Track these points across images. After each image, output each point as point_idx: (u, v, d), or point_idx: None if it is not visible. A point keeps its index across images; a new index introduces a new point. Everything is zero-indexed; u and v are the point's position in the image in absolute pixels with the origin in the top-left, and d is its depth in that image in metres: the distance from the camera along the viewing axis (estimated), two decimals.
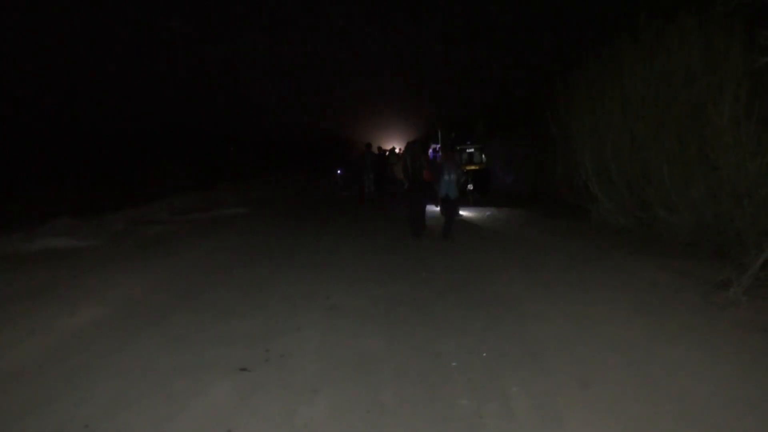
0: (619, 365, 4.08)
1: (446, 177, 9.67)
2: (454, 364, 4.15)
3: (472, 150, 16.35)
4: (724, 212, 6.90)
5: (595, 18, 12.01)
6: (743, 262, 5.66)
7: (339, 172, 22.16)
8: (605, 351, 4.35)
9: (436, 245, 9.02)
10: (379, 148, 20.69)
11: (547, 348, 4.45)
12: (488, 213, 12.07)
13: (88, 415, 3.42)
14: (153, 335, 4.80)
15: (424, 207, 10.01)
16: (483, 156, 16.07)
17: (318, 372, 4.00)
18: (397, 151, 21.43)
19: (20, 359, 4.38)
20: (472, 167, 15.77)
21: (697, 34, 7.86)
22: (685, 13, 8.01)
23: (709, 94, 7.33)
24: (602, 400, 3.52)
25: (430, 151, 17.96)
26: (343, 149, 25.46)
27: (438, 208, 11.66)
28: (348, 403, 3.50)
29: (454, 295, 6.01)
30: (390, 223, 11.57)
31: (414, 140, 11.27)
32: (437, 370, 4.03)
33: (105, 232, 10.67)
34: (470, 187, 14.40)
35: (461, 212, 12.39)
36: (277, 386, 3.77)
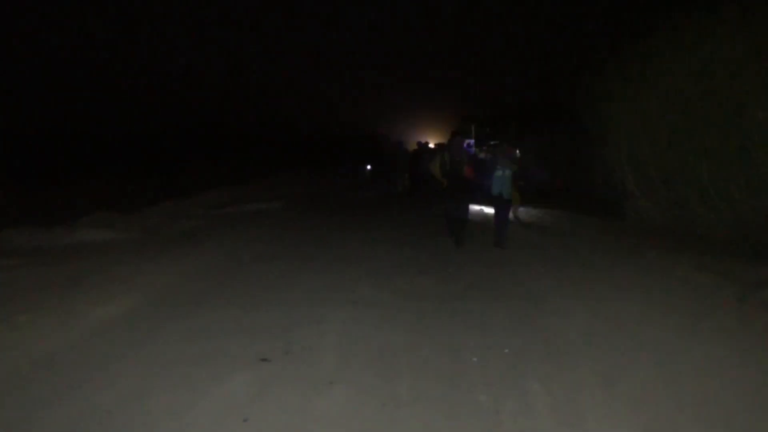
0: (646, 365, 3.96)
1: (500, 173, 8.31)
2: (474, 359, 4.09)
3: (496, 143, 16.39)
4: (765, 210, 6.65)
5: (633, 10, 11.66)
6: None
7: (369, 167, 21.88)
8: (633, 350, 4.23)
9: (480, 252, 8.21)
10: (419, 143, 19.55)
11: (572, 345, 4.36)
12: (521, 209, 11.89)
13: (111, 402, 3.49)
14: (179, 326, 4.87)
15: (466, 209, 8.63)
16: (517, 152, 15.91)
17: (336, 364, 4.00)
18: (431, 145, 20.46)
19: (51, 347, 4.49)
20: None
21: (740, 25, 7.57)
22: (727, 3, 7.73)
23: (751, 86, 7.07)
24: (625, 400, 3.42)
25: (464, 145, 17.50)
26: (372, 144, 24.89)
27: (485, 209, 11.31)
28: (364, 396, 3.49)
29: (478, 291, 5.94)
30: (422, 219, 11.49)
31: (456, 131, 10.64)
32: (457, 365, 3.98)
33: (141, 225, 10.88)
34: None
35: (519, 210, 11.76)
36: (296, 377, 3.77)
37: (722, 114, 7.48)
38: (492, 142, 16.68)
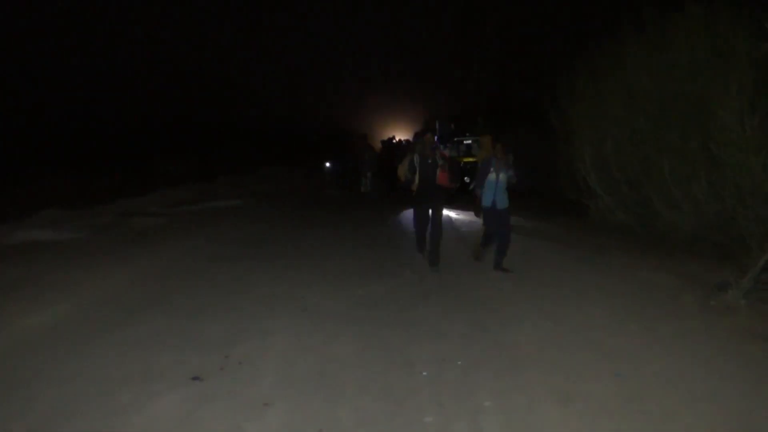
0: (605, 377, 3.76)
1: (492, 176, 6.63)
2: (424, 374, 3.84)
3: (469, 141, 16.19)
4: (727, 210, 6.56)
5: (600, 8, 11.58)
6: (744, 263, 5.32)
7: (327, 165, 20.78)
8: (592, 361, 4.03)
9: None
10: (386, 140, 18.95)
11: (529, 357, 4.14)
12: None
13: (25, 428, 3.14)
14: (111, 338, 4.50)
15: (438, 222, 6.96)
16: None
17: (275, 382, 3.69)
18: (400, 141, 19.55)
19: None
20: (470, 159, 15.60)
21: (703, 24, 7.47)
22: (691, 2, 7.62)
23: (713, 86, 6.97)
24: (581, 419, 3.21)
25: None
26: (338, 141, 23.98)
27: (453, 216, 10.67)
28: (300, 420, 3.20)
29: (436, 297, 5.69)
30: (381, 218, 11.23)
31: (424, 129, 9.02)
32: (406, 381, 3.72)
33: (91, 224, 10.39)
34: (467, 179, 14.10)
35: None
36: (228, 398, 3.46)
37: (685, 114, 7.38)
38: (457, 139, 16.50)
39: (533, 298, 5.62)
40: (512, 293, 5.81)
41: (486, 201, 6.71)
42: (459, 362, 4.03)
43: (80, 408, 3.37)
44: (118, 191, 15.57)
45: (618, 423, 3.17)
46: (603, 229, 9.06)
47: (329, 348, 4.31)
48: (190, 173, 20.68)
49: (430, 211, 6.90)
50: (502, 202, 6.68)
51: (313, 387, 3.62)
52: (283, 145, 29.38)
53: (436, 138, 15.93)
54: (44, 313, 5.18)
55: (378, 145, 21.18)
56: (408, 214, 10.43)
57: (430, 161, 6.73)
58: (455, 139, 16.15)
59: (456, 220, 10.99)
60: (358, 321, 4.95)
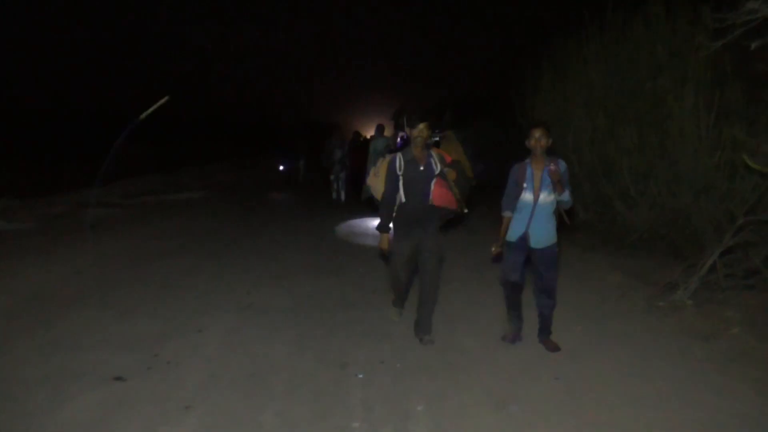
0: (543, 380, 3.67)
1: (528, 197, 4.00)
2: (360, 376, 3.70)
3: (437, 138, 15.88)
4: (682, 208, 6.54)
5: (566, 4, 11.55)
6: (694, 263, 5.29)
7: (281, 168, 17.57)
8: (531, 363, 3.94)
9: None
10: (356, 134, 16.02)
11: (468, 358, 4.04)
12: None
13: None
14: (35, 336, 4.27)
15: (434, 267, 4.36)
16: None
17: (201, 383, 3.52)
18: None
19: None
20: None
21: (664, 22, 7.45)
22: (653, 1, 7.59)
23: (672, 84, 6.95)
24: (514, 424, 3.10)
25: (398, 140, 16.03)
26: (303, 132, 20.14)
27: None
28: (220, 424, 3.04)
29: (382, 295, 5.53)
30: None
31: (405, 109, 5.92)
32: (339, 384, 3.58)
33: (42, 214, 10.04)
34: None
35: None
36: (149, 400, 3.28)
37: (643, 112, 7.35)
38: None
39: (479, 296, 5.52)
40: (458, 292, 5.69)
41: (512, 232, 4.12)
42: (398, 365, 3.91)
43: None
44: (78, 181, 15.11)
45: (553, 427, 3.07)
46: (563, 226, 9.02)
47: (265, 348, 4.15)
48: (155, 163, 20.22)
49: (421, 248, 4.31)
50: (543, 236, 4.07)
51: (241, 389, 3.46)
52: (254, 135, 28.90)
53: (401, 135, 15.23)
54: None
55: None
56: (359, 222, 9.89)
57: (422, 167, 4.21)
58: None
59: None
60: (300, 319, 4.80)
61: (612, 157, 7.72)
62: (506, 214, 4.15)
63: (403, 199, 4.25)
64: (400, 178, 4.23)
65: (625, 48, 7.92)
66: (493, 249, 4.22)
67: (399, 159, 4.26)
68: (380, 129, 11.74)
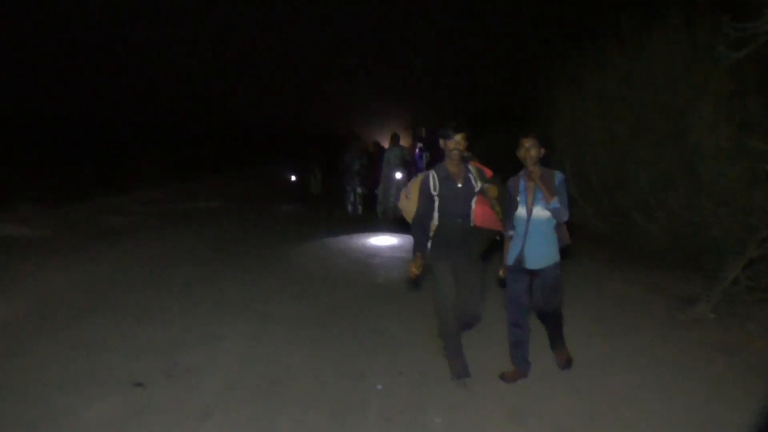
0: (563, 393, 3.63)
1: (521, 212, 3.70)
2: (378, 387, 3.69)
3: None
4: (702, 220, 6.47)
5: (582, 16, 11.54)
6: (715, 276, 5.22)
7: (292, 179, 17.02)
8: (550, 375, 3.90)
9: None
10: (376, 144, 15.42)
11: (486, 371, 3.99)
12: None
13: None
14: (57, 340, 4.33)
15: (475, 294, 3.96)
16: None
17: (220, 390, 3.54)
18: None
19: None
20: None
21: (683, 33, 7.39)
22: (672, 10, 7.54)
23: (691, 95, 6.90)
24: None
25: (416, 151, 15.63)
26: (318, 142, 17.61)
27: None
28: None
29: (401, 305, 5.52)
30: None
31: (447, 125, 3.78)
32: (357, 394, 3.58)
33: (64, 221, 10.19)
34: None
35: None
36: (168, 407, 3.31)
37: (663, 122, 7.29)
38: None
39: (497, 304, 5.48)
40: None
41: (509, 254, 3.80)
42: (416, 375, 3.89)
43: (9, 412, 3.21)
44: (97, 188, 15.32)
45: None
46: (581, 238, 8.96)
47: (283, 356, 4.16)
48: (172, 171, 20.41)
49: (461, 274, 3.85)
50: (541, 255, 3.72)
51: (259, 397, 3.48)
52: (271, 144, 28.98)
53: (419, 146, 14.97)
54: None
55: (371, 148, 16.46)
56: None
57: (459, 184, 3.72)
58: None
59: None
60: (318, 327, 4.81)
61: (630, 169, 7.67)
62: (509, 233, 3.79)
63: (437, 222, 3.75)
64: (436, 198, 3.71)
65: (643, 59, 7.88)
66: (500, 273, 3.87)
67: (432, 177, 3.71)
68: (395, 138, 11.47)
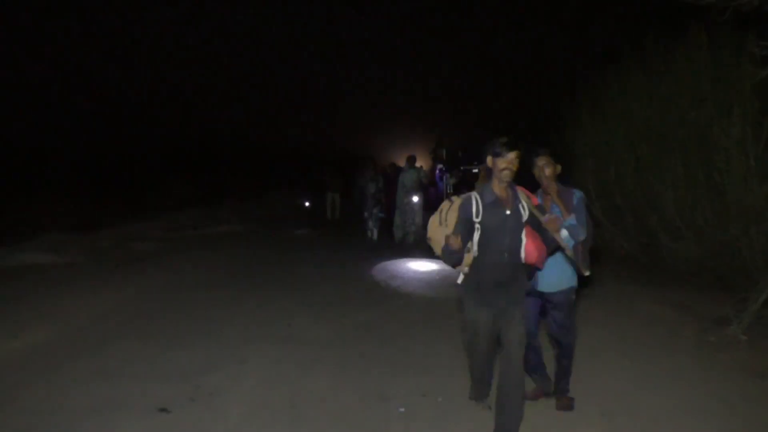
0: (590, 417, 3.56)
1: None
2: (401, 410, 3.65)
3: (477, 170, 15.62)
4: (731, 240, 6.34)
5: (605, 36, 11.54)
6: (746, 296, 5.09)
7: (306, 204, 16.74)
8: (577, 399, 3.81)
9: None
10: (392, 165, 14.28)
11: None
12: None
13: None
14: (82, 366, 4.36)
15: (519, 350, 3.20)
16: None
17: (243, 414, 3.53)
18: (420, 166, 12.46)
19: None
20: None
21: (706, 52, 7.33)
22: (695, 30, 7.50)
23: (716, 113, 6.81)
24: None
25: (437, 172, 15.53)
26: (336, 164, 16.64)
27: None
28: None
29: (424, 326, 5.48)
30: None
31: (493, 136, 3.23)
32: (380, 417, 3.55)
33: (90, 248, 10.34)
34: None
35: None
36: (193, 431, 3.30)
37: (687, 142, 7.21)
38: (464, 168, 15.30)
39: None
40: None
41: (545, 280, 3.58)
42: (439, 399, 3.84)
43: None
44: (122, 215, 15.57)
45: None
46: (607, 259, 8.83)
47: (306, 380, 4.14)
48: (195, 197, 20.66)
49: (503, 323, 3.21)
50: (555, 277, 3.55)
51: (282, 422, 3.45)
52: (292, 168, 29.11)
53: (439, 168, 14.85)
54: (24, 337, 5.08)
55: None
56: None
57: (508, 211, 3.13)
58: (462, 168, 14.86)
59: None
60: (340, 351, 4.78)
61: (656, 189, 7.57)
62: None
63: (477, 257, 3.14)
64: (477, 227, 3.09)
65: (667, 78, 7.83)
66: None
67: (476, 201, 3.10)
68: (411, 161, 11.14)
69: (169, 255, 9.58)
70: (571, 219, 3.34)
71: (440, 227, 3.22)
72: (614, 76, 9.03)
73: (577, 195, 3.48)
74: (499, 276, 3.11)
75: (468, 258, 3.14)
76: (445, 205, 3.30)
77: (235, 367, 4.34)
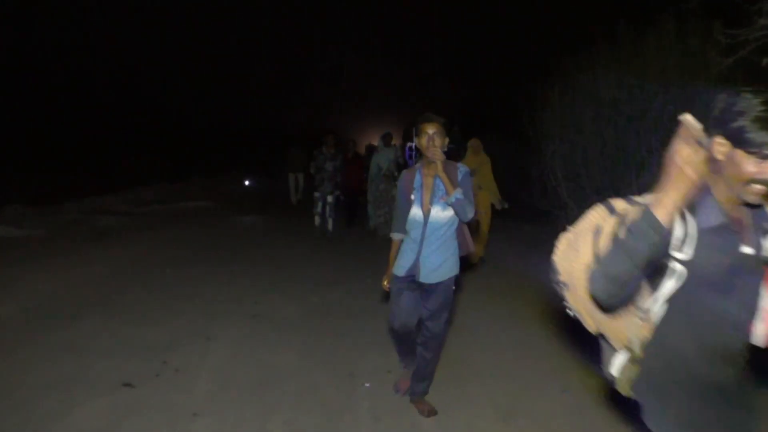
0: (552, 393, 3.66)
1: (416, 212, 3.22)
2: (367, 386, 3.70)
3: (447, 151, 15.65)
4: None
5: (579, 23, 11.60)
6: None
7: (246, 183, 16.64)
8: (539, 376, 3.93)
9: None
10: (369, 147, 13.29)
11: (476, 371, 4.04)
12: None
13: None
14: (45, 342, 4.28)
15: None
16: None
17: (209, 391, 3.53)
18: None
19: None
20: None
21: (675, 38, 7.46)
22: (664, 16, 7.60)
23: (680, 101, 6.95)
24: None
25: (406, 150, 15.54)
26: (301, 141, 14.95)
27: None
28: None
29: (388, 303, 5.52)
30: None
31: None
32: (346, 393, 3.59)
33: (54, 221, 10.11)
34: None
35: None
36: (157, 407, 3.29)
37: (653, 127, 7.35)
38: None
39: (486, 304, 5.53)
40: (468, 307, 5.68)
41: (400, 263, 3.29)
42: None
43: None
44: (87, 188, 15.21)
45: None
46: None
47: (272, 357, 4.15)
48: (164, 172, 20.27)
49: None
50: (439, 267, 3.19)
51: (249, 397, 3.46)
52: (258, 146, 28.63)
53: (409, 145, 14.90)
54: None
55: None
56: None
57: (748, 249, 1.48)
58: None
59: None
60: (307, 328, 4.80)
61: (621, 172, 7.72)
62: (395, 236, 3.32)
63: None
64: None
65: (636, 63, 7.94)
66: (384, 283, 3.40)
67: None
68: (387, 138, 9.97)
69: (135, 230, 9.42)
70: (458, 193, 3.03)
71: (569, 260, 1.70)
72: (585, 61, 9.12)
73: (463, 170, 3.16)
74: (719, 376, 1.56)
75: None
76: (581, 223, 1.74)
77: (202, 344, 4.32)
